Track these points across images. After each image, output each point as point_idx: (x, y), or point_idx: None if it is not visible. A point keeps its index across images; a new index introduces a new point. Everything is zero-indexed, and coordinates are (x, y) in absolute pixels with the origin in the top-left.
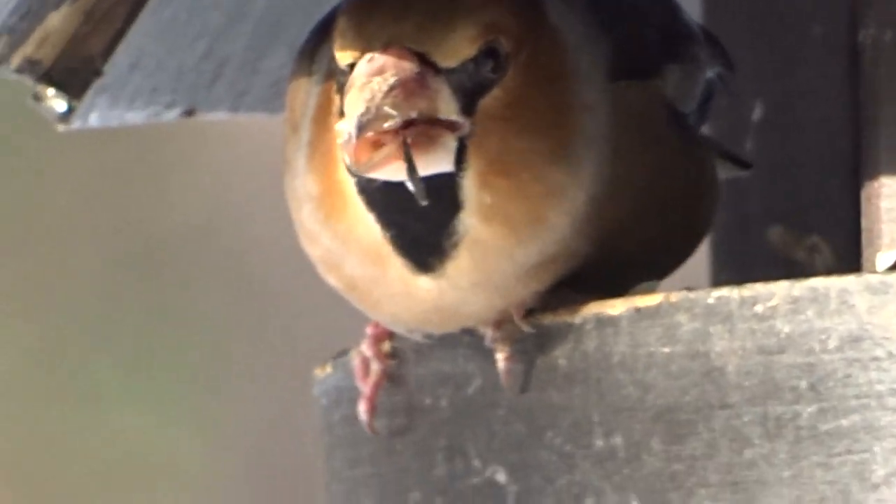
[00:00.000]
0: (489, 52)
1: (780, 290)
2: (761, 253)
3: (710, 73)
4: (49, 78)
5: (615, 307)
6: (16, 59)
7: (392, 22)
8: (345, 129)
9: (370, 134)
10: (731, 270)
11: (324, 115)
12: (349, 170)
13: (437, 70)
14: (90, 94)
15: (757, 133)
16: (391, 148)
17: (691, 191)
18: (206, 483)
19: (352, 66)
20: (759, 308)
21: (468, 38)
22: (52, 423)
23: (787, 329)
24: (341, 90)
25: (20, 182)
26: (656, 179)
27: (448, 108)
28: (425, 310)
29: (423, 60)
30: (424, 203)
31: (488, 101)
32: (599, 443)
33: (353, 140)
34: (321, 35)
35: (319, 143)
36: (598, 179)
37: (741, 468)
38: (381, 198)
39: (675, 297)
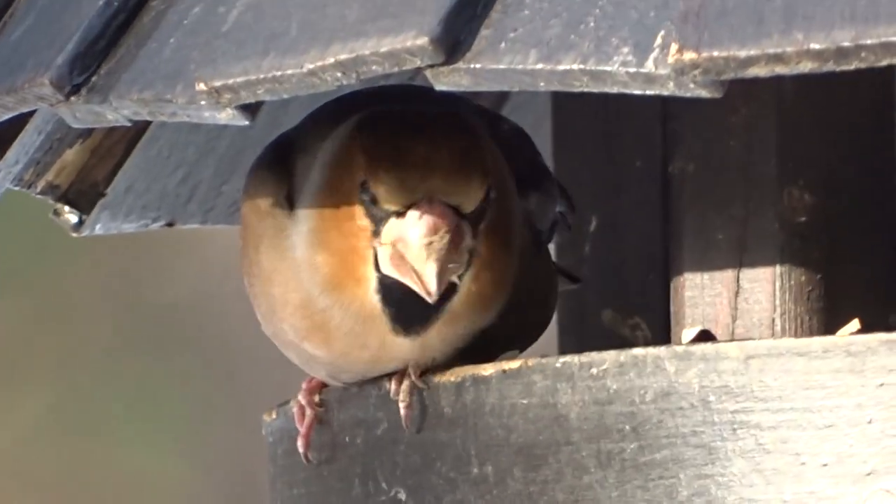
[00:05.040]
0: (487, 190)
1: (610, 357)
2: (596, 330)
3: (559, 207)
4: (65, 198)
5: (487, 370)
6: (40, 184)
7: (425, 176)
8: (416, 266)
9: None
10: (573, 342)
11: (337, 217)
12: (378, 270)
13: (463, 216)
14: (96, 210)
15: (593, 240)
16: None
17: (542, 287)
18: (186, 495)
19: (397, 212)
20: (594, 370)
21: (478, 185)
22: (76, 454)
23: (615, 386)
24: (372, 216)
25: (50, 274)
26: (523, 276)
27: (468, 239)
28: (386, 355)
29: (456, 211)
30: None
31: (483, 224)
32: (475, 471)
33: (433, 290)
34: (279, 153)
35: (332, 236)
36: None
37: (581, 490)
38: (397, 291)
39: (531, 362)
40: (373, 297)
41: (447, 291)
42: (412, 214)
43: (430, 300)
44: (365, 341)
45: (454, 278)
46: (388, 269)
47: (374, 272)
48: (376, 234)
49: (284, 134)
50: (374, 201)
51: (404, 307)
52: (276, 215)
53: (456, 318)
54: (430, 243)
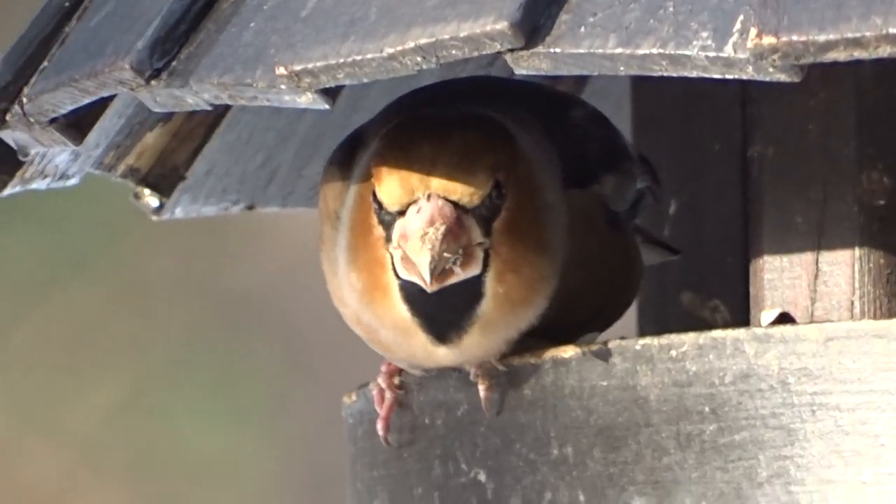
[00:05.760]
0: (495, 186)
1: (689, 339)
2: (676, 312)
3: (640, 184)
4: (145, 181)
5: (567, 352)
6: (121, 168)
7: (425, 175)
8: (412, 258)
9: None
10: (653, 325)
11: (362, 229)
12: (398, 276)
13: (467, 210)
14: (176, 193)
15: (673, 223)
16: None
17: (622, 267)
18: (264, 477)
19: (400, 212)
20: (673, 352)
21: (482, 181)
22: (154, 438)
23: (694, 368)
24: (383, 222)
25: (129, 259)
26: (596, 261)
27: (476, 235)
28: (437, 362)
29: (456, 205)
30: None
31: (498, 221)
32: (555, 452)
33: (428, 281)
34: (349, 149)
35: (361, 251)
36: (561, 263)
37: (661, 471)
38: (422, 297)
39: (611, 344)
40: (402, 309)
41: (473, 295)
42: (411, 210)
43: (427, 289)
44: (412, 351)
45: (458, 269)
46: (402, 272)
47: (395, 280)
48: (389, 239)
49: (358, 128)
50: (381, 206)
51: (434, 316)
52: (332, 222)
53: (490, 324)
54: (425, 234)
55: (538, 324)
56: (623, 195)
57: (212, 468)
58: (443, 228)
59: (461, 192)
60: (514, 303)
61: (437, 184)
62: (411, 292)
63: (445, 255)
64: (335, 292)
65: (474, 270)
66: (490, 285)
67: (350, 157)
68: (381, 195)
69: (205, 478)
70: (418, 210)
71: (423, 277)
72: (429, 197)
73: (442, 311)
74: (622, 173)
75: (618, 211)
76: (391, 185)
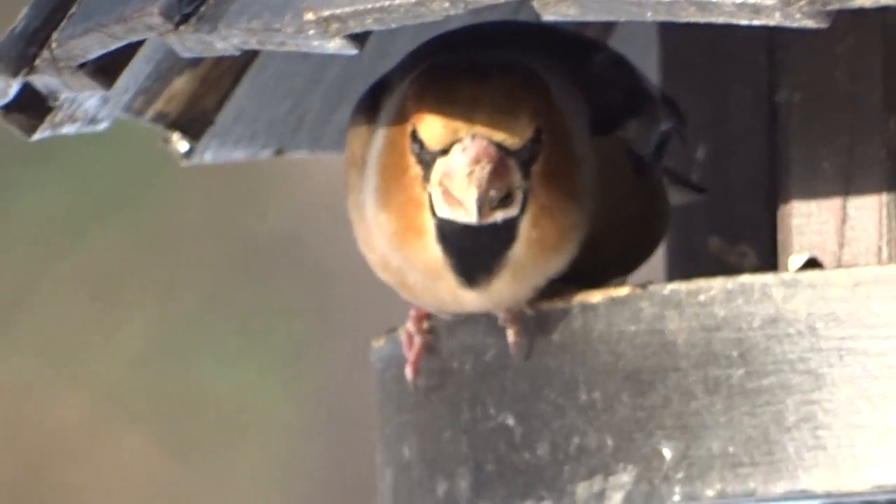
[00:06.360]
0: (536, 131)
1: (717, 284)
2: (703, 257)
3: (665, 126)
4: (175, 126)
5: (595, 296)
6: (150, 112)
7: (468, 115)
8: (457, 195)
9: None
10: (681, 270)
11: (395, 171)
12: (435, 215)
13: (509, 152)
14: (205, 138)
15: (700, 168)
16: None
17: (647, 211)
18: (290, 423)
19: (442, 151)
20: (702, 297)
21: (525, 124)
22: (179, 381)
23: (722, 313)
24: (422, 162)
25: (157, 203)
26: (621, 205)
27: (516, 178)
28: (464, 307)
29: (500, 146)
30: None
31: (536, 167)
32: (583, 397)
33: (475, 218)
34: (374, 97)
35: (393, 192)
36: (590, 210)
37: (688, 416)
38: (456, 237)
39: (639, 289)
40: (434, 250)
41: (506, 238)
42: (456, 149)
43: (474, 221)
44: (440, 296)
45: (503, 211)
46: (442, 209)
47: (432, 219)
48: (427, 178)
49: (382, 76)
50: (422, 146)
51: (466, 257)
52: (358, 168)
53: (521, 268)
54: (471, 172)
55: (565, 269)
56: (647, 138)
57: (237, 413)
58: (489, 167)
59: (505, 134)
60: (545, 248)
61: (481, 124)
62: (446, 231)
63: (493, 194)
64: (362, 238)
65: (513, 211)
66: (524, 229)
67: (375, 104)
68: (422, 134)
69: (230, 423)
70: (463, 149)
71: (468, 211)
72: (473, 137)
73: (475, 251)
74: (645, 116)
75: (642, 154)
76: (434, 124)
